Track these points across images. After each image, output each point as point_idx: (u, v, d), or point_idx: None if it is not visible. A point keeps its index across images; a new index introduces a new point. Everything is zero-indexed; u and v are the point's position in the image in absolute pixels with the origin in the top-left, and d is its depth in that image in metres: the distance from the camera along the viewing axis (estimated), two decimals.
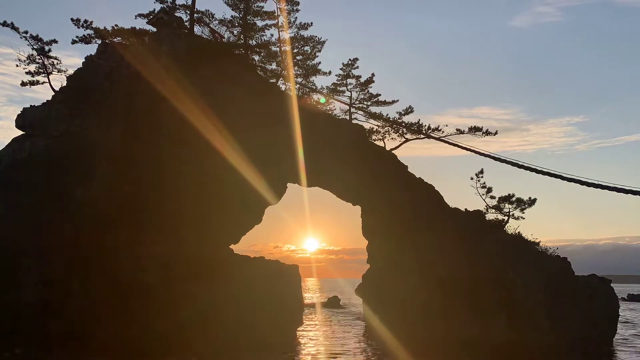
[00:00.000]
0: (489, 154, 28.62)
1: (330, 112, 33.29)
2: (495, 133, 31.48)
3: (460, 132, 31.12)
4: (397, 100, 33.23)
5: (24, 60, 27.76)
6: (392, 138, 32.62)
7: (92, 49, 39.02)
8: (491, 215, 29.76)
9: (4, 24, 27.01)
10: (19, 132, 27.13)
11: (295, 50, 31.66)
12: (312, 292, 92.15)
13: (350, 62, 32.44)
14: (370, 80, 32.75)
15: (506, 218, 29.49)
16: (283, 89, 31.76)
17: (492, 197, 29.92)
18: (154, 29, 29.51)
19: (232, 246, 27.98)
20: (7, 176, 24.79)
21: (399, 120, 32.37)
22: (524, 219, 29.47)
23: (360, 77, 32.63)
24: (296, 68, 32.45)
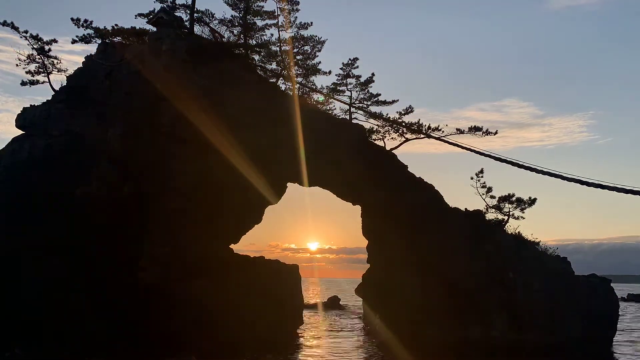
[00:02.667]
0: (489, 153, 28.59)
1: (330, 112, 33.28)
2: (495, 133, 31.43)
3: (460, 131, 31.10)
4: (397, 100, 33.21)
5: (24, 60, 27.81)
6: (392, 138, 32.61)
7: (92, 48, 39.16)
8: (491, 215, 29.83)
9: (4, 23, 27.04)
10: (20, 123, 27.14)
11: (295, 50, 31.64)
12: (312, 291, 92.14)
13: (350, 61, 32.39)
14: (370, 80, 32.71)
15: (506, 218, 29.53)
16: (283, 88, 31.77)
17: (492, 197, 29.98)
18: (154, 29, 29.46)
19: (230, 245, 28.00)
20: (7, 176, 24.78)
21: (399, 120, 32.38)
22: (524, 218, 29.57)
23: (360, 76, 32.60)
24: (296, 68, 32.45)
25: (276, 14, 30.54)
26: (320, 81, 67.00)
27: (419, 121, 31.64)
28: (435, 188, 29.96)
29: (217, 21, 30.59)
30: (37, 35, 27.42)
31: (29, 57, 27.74)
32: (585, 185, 25.48)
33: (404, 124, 32.11)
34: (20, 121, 27.18)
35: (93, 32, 28.73)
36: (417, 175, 30.28)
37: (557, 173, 26.41)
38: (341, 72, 32.58)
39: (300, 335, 27.91)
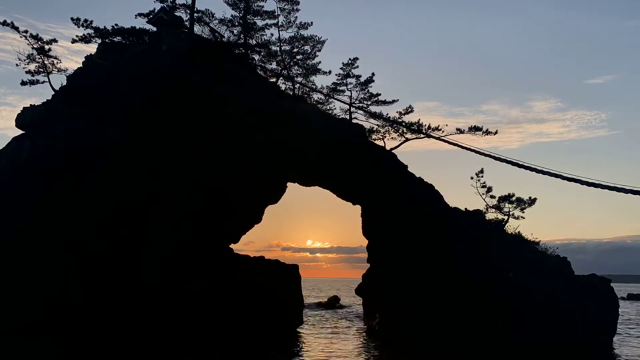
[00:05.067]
0: (489, 153, 28.56)
1: (330, 112, 33.31)
2: (496, 132, 31.50)
3: (460, 131, 31.18)
4: (397, 100, 33.30)
5: (24, 60, 27.84)
6: (392, 138, 32.69)
7: (92, 48, 39.19)
8: (491, 215, 29.86)
9: (4, 23, 27.08)
10: (19, 123, 27.15)
11: (295, 50, 31.69)
12: (312, 291, 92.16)
13: (350, 61, 32.43)
14: (370, 80, 32.75)
15: (506, 218, 29.55)
16: (283, 88, 31.79)
17: (492, 197, 30.02)
18: (154, 29, 29.50)
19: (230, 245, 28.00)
20: (6, 176, 24.78)
21: (399, 120, 32.42)
22: (524, 218, 29.64)
23: (360, 76, 32.64)
24: (296, 67, 32.48)
25: (276, 13, 30.66)
26: (320, 81, 67.13)
27: (418, 121, 31.76)
28: (435, 188, 29.99)
29: (217, 21, 30.70)
30: (37, 35, 27.48)
31: (29, 57, 27.78)
32: (585, 185, 25.48)
33: (404, 123, 32.15)
34: (20, 121, 27.18)
35: (93, 32, 28.80)
36: (417, 175, 30.32)
37: (557, 173, 26.40)
38: (341, 72, 32.63)
39: (300, 335, 27.90)
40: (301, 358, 21.36)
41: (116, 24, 28.95)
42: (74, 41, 28.91)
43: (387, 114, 32.59)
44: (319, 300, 59.45)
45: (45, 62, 27.91)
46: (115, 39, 29.34)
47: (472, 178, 30.57)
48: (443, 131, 31.26)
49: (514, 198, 29.57)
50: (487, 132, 31.33)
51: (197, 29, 30.13)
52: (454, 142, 30.42)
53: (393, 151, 31.86)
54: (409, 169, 30.47)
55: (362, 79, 32.61)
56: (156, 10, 29.58)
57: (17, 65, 28.03)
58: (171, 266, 23.54)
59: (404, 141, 32.44)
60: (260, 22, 30.91)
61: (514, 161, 27.97)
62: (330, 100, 33.70)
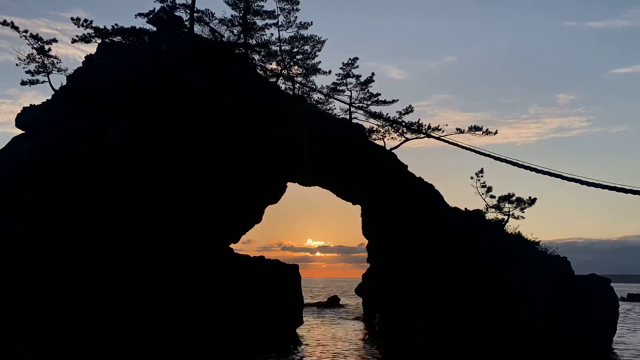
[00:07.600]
0: (489, 153, 28.58)
1: (330, 112, 33.32)
2: (496, 132, 31.53)
3: (460, 131, 31.20)
4: (397, 100, 33.30)
5: (24, 60, 27.81)
6: (392, 137, 32.70)
7: (92, 48, 39.21)
8: (491, 215, 29.86)
9: (4, 23, 27.06)
10: (19, 123, 27.18)
11: (295, 50, 31.68)
12: (312, 291, 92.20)
13: (350, 61, 32.45)
14: (370, 80, 32.76)
15: (506, 217, 29.55)
16: (283, 88, 31.78)
17: (492, 197, 30.02)
18: (154, 28, 29.50)
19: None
20: (6, 176, 24.77)
21: (399, 120, 32.43)
22: (524, 218, 29.65)
23: (360, 76, 32.65)
24: (296, 67, 32.48)
25: (276, 13, 30.62)
26: (320, 81, 67.20)
27: (418, 121, 31.79)
28: (435, 188, 30.01)
29: (217, 21, 30.65)
30: (37, 34, 27.46)
31: (28, 56, 27.75)
32: (585, 185, 25.48)
33: (404, 123, 32.17)
34: (20, 121, 27.17)
35: (93, 32, 28.77)
36: (417, 175, 30.34)
37: (557, 173, 26.43)
38: (341, 72, 32.63)
39: (299, 335, 27.91)
40: (301, 358, 21.38)
41: (116, 24, 28.92)
42: (74, 41, 28.93)
43: (387, 114, 32.63)
44: (319, 300, 59.50)
45: (45, 62, 27.88)
46: (115, 39, 29.32)
47: (472, 178, 30.58)
48: (443, 131, 31.30)
49: (514, 198, 29.57)
50: (487, 132, 31.37)
51: (197, 29, 30.12)
52: (454, 142, 30.44)
53: (393, 151, 31.87)
54: (409, 169, 30.51)
55: (362, 79, 32.65)
56: (156, 10, 29.55)
57: (17, 65, 28.02)
58: (171, 266, 23.53)
59: (404, 141, 32.46)
60: (260, 22, 30.90)
61: (514, 161, 27.99)
62: (330, 100, 33.72)
